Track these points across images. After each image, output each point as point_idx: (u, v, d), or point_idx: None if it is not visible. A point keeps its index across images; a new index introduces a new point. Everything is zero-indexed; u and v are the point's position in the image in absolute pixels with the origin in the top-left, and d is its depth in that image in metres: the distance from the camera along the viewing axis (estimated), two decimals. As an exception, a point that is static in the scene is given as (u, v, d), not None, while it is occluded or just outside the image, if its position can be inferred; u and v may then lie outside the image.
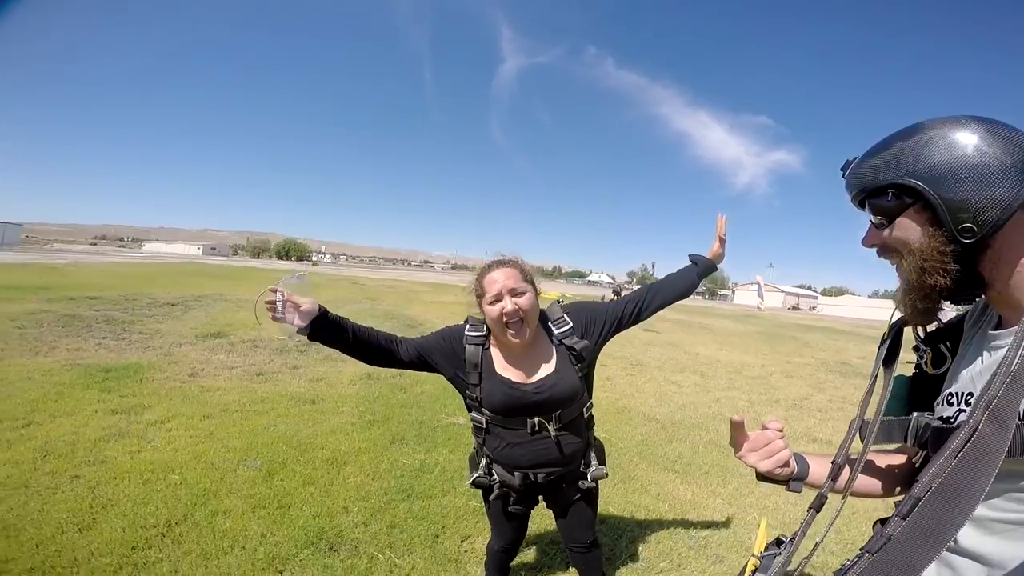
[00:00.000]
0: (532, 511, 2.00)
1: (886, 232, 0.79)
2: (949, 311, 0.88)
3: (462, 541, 2.73)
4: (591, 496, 1.93)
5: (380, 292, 21.19)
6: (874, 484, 0.97)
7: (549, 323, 1.79)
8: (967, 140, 0.70)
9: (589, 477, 1.84)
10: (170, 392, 4.93)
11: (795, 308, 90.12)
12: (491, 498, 1.88)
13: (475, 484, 1.86)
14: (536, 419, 1.70)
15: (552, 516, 2.06)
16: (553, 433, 1.72)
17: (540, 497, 1.96)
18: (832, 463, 0.91)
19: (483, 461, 1.84)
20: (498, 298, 1.64)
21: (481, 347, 1.74)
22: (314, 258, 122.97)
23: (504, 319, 1.64)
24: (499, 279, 1.66)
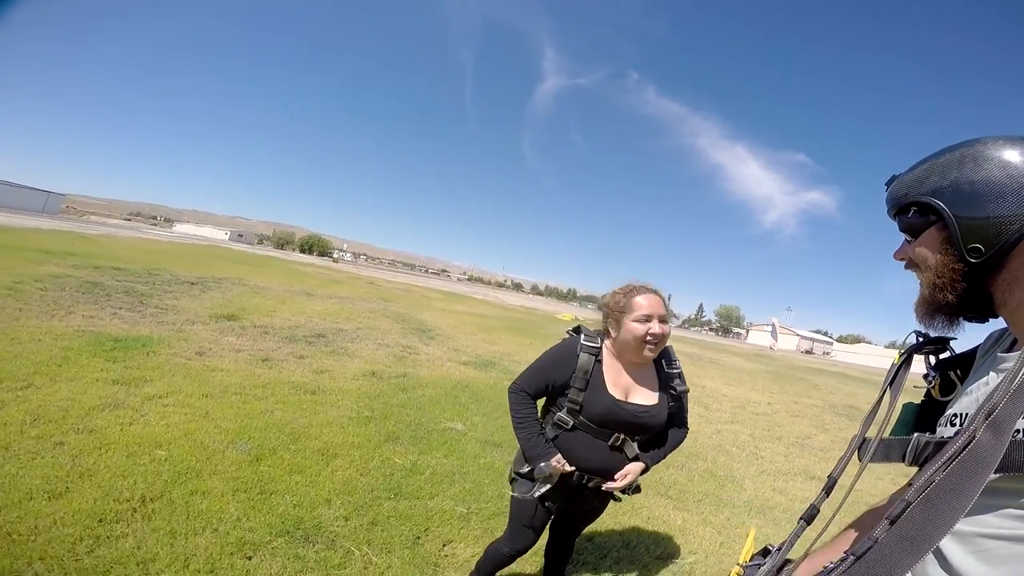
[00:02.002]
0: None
1: (911, 248, 0.82)
2: (961, 339, 0.88)
3: (443, 545, 2.67)
4: (603, 506, 2.13)
5: (395, 294, 21.30)
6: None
7: (663, 360, 1.95)
8: (995, 161, 0.69)
9: (630, 491, 1.92)
10: (174, 368, 4.96)
11: (808, 352, 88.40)
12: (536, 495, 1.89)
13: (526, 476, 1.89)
14: (622, 436, 1.83)
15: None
16: (630, 452, 1.86)
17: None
18: (829, 476, 0.91)
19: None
20: (647, 319, 1.80)
21: (594, 357, 1.85)
22: (335, 255, 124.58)
23: (648, 338, 1.78)
24: (650, 304, 1.82)
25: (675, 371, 1.95)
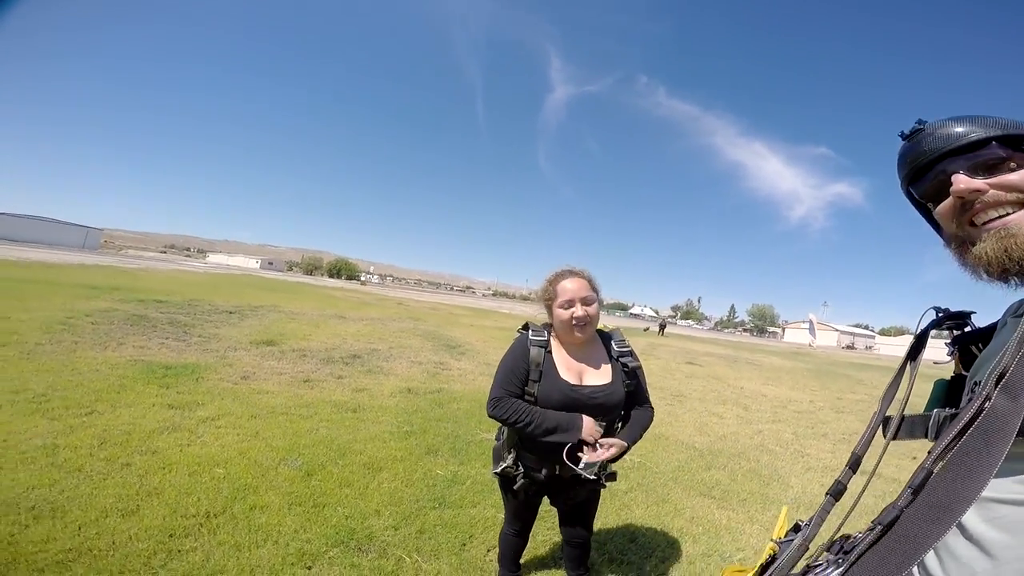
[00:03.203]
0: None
1: (993, 178, 0.74)
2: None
3: (488, 551, 2.72)
4: (595, 497, 2.17)
5: (423, 313, 21.59)
6: None
7: (612, 341, 2.03)
8: None
9: (603, 477, 1.96)
10: (223, 392, 5.19)
11: (850, 347, 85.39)
12: (514, 487, 2.00)
13: (502, 473, 2.01)
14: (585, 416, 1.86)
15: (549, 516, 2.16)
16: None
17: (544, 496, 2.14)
18: (852, 452, 0.90)
19: (511, 454, 1.98)
20: (570, 304, 1.88)
21: (543, 349, 1.92)
22: (363, 278, 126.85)
23: (574, 322, 1.86)
24: (573, 288, 1.90)
25: (625, 349, 2.01)
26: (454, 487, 3.51)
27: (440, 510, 3.13)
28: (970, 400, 0.73)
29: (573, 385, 1.88)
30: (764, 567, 0.88)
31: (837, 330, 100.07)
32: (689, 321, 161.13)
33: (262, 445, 3.85)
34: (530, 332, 1.97)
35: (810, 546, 0.84)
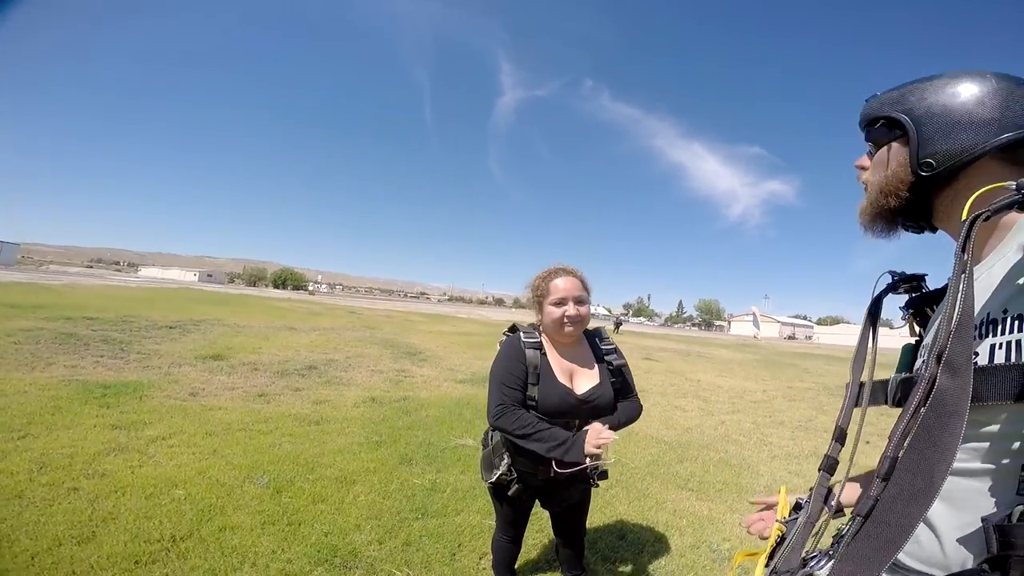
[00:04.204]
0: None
1: (874, 157, 0.86)
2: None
3: (480, 559, 2.62)
4: (587, 497, 2.14)
5: (378, 321, 21.05)
6: None
7: (597, 340, 2.00)
8: (966, 88, 0.74)
9: (596, 478, 1.93)
10: (171, 410, 4.81)
11: (791, 337, 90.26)
12: (509, 494, 1.92)
13: (496, 482, 1.91)
14: (578, 422, 1.83)
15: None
16: None
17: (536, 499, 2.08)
18: (836, 426, 0.90)
19: (504, 460, 1.89)
20: (563, 302, 1.83)
21: (538, 351, 1.87)
22: (311, 287, 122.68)
23: (565, 320, 1.82)
24: (566, 286, 1.86)
25: (610, 347, 1.99)
26: (434, 496, 3.37)
27: (424, 520, 2.99)
28: (916, 370, 0.80)
29: (569, 390, 1.83)
30: (775, 548, 0.89)
31: (779, 321, 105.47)
32: (641, 318, 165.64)
33: (222, 463, 3.57)
34: (522, 334, 1.91)
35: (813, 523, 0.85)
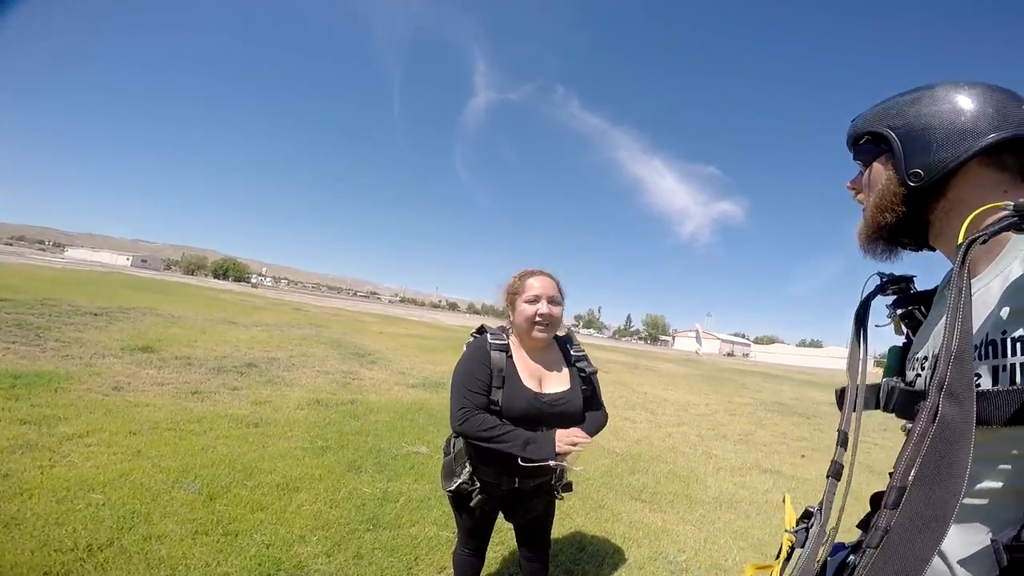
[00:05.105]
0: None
1: (864, 176, 0.87)
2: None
3: (439, 572, 2.50)
4: (552, 509, 2.08)
5: (325, 319, 20.26)
6: None
7: (568, 345, 1.97)
8: (947, 98, 0.76)
9: (559, 488, 1.94)
10: (90, 405, 4.37)
11: (730, 355, 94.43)
12: (471, 504, 1.85)
13: (456, 490, 1.84)
14: (543, 428, 1.75)
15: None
16: None
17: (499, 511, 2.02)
18: (839, 430, 0.89)
19: (466, 468, 1.82)
20: (536, 300, 1.81)
21: (504, 353, 1.81)
22: (254, 280, 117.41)
23: (536, 319, 1.79)
24: (541, 285, 1.84)
25: (581, 353, 1.98)
26: (386, 505, 3.20)
27: (375, 532, 2.82)
28: (917, 385, 0.80)
29: (536, 393, 1.78)
30: (787, 559, 0.89)
31: (719, 339, 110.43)
32: (591, 330, 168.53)
33: (148, 466, 3.25)
34: (489, 335, 1.86)
35: (827, 528, 0.84)
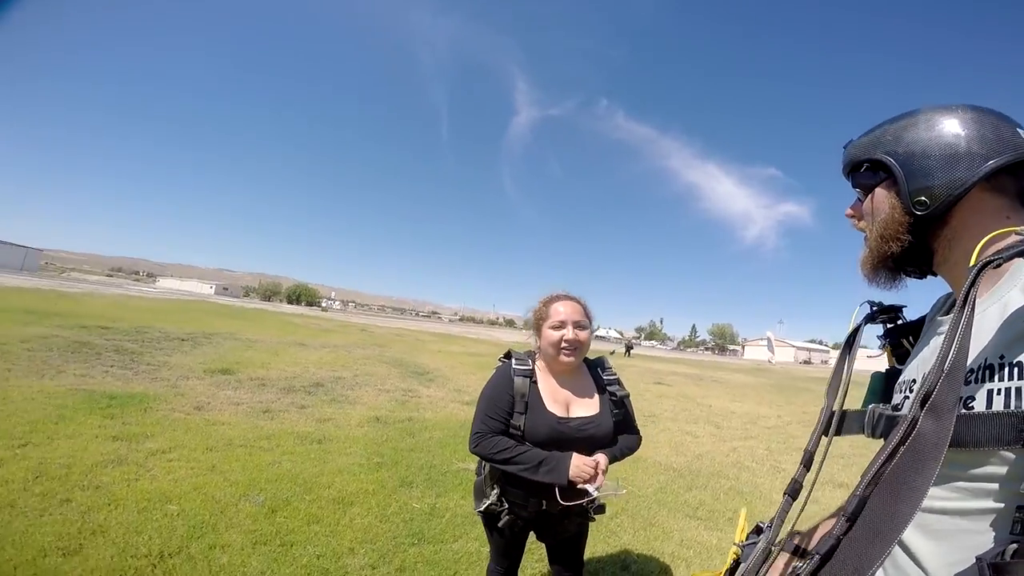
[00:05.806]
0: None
1: (864, 204, 0.85)
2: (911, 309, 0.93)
3: (476, 588, 2.53)
4: (584, 531, 2.04)
5: (388, 339, 21.05)
6: None
7: (599, 369, 1.95)
8: (943, 123, 0.75)
9: (592, 511, 1.89)
10: (174, 423, 4.80)
11: (807, 362, 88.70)
12: (499, 525, 1.86)
13: (486, 511, 1.86)
14: (572, 454, 1.73)
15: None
16: None
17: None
18: (804, 450, 0.91)
19: (495, 490, 1.83)
20: (562, 325, 1.79)
21: (528, 379, 1.81)
22: (324, 304, 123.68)
23: (563, 345, 1.77)
24: (566, 310, 1.82)
25: (612, 377, 1.94)
26: (433, 521, 3.28)
27: (419, 546, 2.91)
28: (900, 402, 0.81)
29: (560, 418, 1.76)
30: (731, 571, 0.91)
31: (794, 346, 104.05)
32: (653, 342, 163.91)
33: (220, 480, 3.53)
34: (513, 361, 1.86)
35: (772, 548, 0.85)
